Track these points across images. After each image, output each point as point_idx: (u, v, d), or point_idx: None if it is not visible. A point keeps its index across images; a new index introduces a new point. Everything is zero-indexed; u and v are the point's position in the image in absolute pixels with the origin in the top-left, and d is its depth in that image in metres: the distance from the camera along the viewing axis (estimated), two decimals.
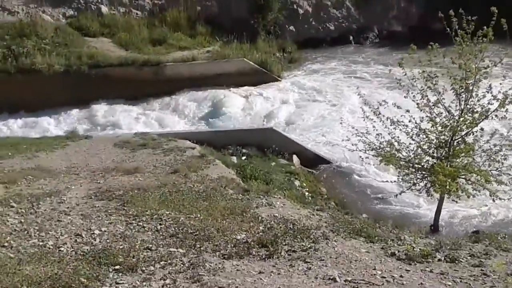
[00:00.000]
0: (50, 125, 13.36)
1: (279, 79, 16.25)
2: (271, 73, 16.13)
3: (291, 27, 20.06)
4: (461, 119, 7.06)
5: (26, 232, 5.28)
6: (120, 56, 15.35)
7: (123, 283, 4.11)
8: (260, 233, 5.36)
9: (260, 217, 5.93)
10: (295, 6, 20.23)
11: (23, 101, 13.88)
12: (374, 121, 7.48)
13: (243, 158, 10.00)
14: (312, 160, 10.68)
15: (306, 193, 8.83)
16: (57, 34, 15.95)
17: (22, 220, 5.63)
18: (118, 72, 14.82)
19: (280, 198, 6.93)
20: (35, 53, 14.68)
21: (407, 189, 7.67)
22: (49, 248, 4.84)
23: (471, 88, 6.93)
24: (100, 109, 14.02)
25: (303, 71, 17.49)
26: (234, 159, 9.64)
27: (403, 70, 7.12)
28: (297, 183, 9.24)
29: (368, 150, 7.63)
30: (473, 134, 7.17)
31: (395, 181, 8.03)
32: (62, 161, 8.66)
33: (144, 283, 4.12)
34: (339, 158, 10.74)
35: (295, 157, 10.54)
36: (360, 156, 8.02)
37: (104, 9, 17.88)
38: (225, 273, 4.31)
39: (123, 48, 16.24)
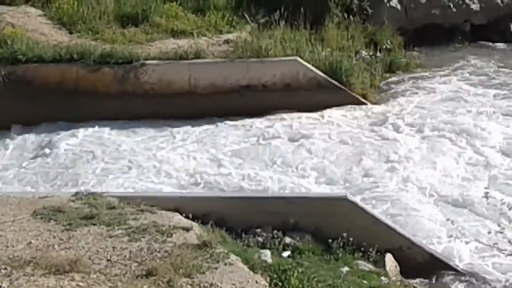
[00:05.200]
0: None
1: (365, 101, 16.56)
2: (349, 89, 16.46)
3: (393, 2, 20.39)
4: None
5: None
6: (58, 43, 16.00)
7: None
8: None
9: None
10: None
11: None
12: None
13: (285, 254, 10.03)
14: (425, 266, 10.61)
15: None
16: None
17: None
18: (51, 73, 15.44)
19: None
20: None
21: None
22: None
23: None
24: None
25: (414, 89, 17.75)
26: (268, 255, 9.65)
27: None
28: None
29: None
30: None
31: None
32: None
33: None
34: (482, 265, 10.69)
35: (389, 259, 10.49)
36: None
37: None
38: None
39: (64, 28, 17.03)
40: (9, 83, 15.14)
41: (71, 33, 16.90)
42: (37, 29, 16.69)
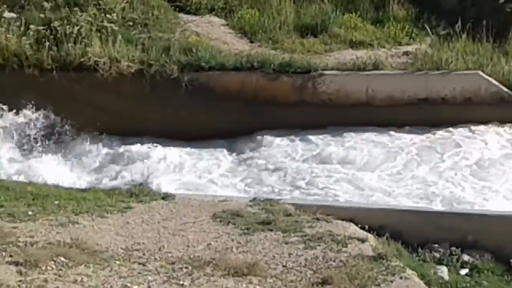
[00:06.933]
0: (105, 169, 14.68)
1: None
2: None
3: None
4: None
5: None
6: (239, 52, 16.48)
7: None
8: None
9: None
10: None
11: (57, 122, 15.40)
12: None
13: (463, 272, 9.80)
14: None
15: None
16: (132, 6, 17.66)
17: None
18: (232, 81, 15.88)
19: None
20: (91, 36, 16.27)
21: None
22: None
23: None
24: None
25: None
26: (444, 271, 9.50)
27: None
28: None
29: None
30: None
31: None
32: (119, 237, 9.31)
33: None
34: None
35: None
36: None
37: None
38: None
39: (245, 37, 17.44)
40: (192, 90, 15.64)
41: (252, 42, 17.27)
42: (220, 38, 17.18)
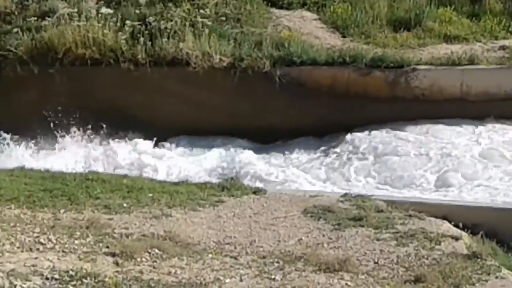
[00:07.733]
0: (192, 163, 15.00)
1: None
2: None
3: None
4: None
5: None
6: (331, 46, 16.48)
7: None
8: None
9: None
10: None
11: (150, 116, 15.87)
12: None
13: None
14: None
15: None
16: (225, 1, 17.92)
17: None
18: (324, 76, 15.86)
19: None
20: (184, 31, 16.56)
21: None
22: None
23: None
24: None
25: None
26: None
27: None
28: None
29: None
30: None
31: None
32: (211, 230, 9.43)
33: None
34: None
35: None
36: None
37: None
38: None
39: (337, 32, 17.43)
40: (283, 85, 15.69)
41: (344, 37, 17.28)
42: (311, 32, 17.25)
